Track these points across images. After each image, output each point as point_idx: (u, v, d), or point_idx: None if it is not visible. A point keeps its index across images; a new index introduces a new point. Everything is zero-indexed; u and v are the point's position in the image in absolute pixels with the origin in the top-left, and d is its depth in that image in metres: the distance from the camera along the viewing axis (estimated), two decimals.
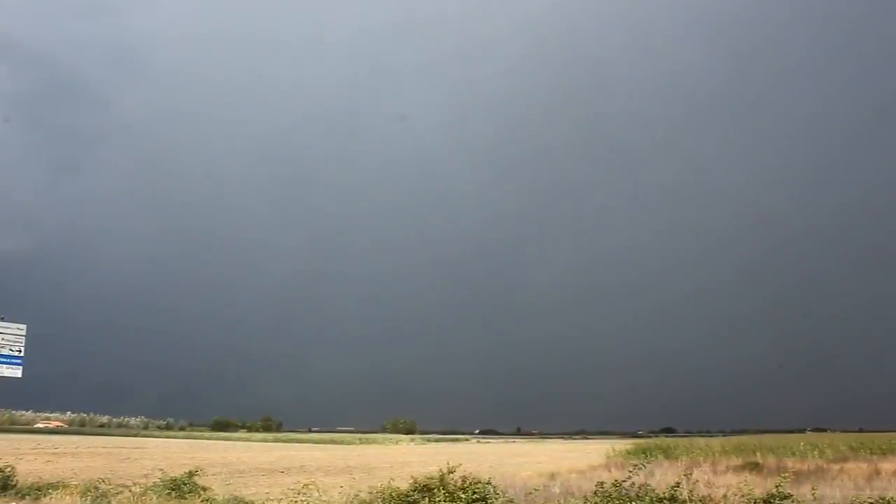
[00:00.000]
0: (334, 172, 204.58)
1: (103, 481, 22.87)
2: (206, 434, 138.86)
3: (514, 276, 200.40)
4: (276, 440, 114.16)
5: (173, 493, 20.67)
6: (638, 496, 15.13)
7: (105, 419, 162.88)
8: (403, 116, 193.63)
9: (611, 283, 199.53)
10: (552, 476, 29.44)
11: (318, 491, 20.22)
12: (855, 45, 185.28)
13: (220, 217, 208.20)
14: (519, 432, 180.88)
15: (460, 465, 18.42)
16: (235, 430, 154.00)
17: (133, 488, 21.65)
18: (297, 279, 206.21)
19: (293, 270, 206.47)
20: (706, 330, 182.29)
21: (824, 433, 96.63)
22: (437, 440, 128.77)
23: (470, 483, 17.29)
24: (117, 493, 20.94)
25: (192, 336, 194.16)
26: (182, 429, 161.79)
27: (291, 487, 20.55)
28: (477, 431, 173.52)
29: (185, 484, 21.41)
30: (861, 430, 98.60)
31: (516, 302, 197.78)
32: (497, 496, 17.09)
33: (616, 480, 15.79)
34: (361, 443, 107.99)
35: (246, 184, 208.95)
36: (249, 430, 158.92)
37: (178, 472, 22.70)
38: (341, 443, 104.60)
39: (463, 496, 16.64)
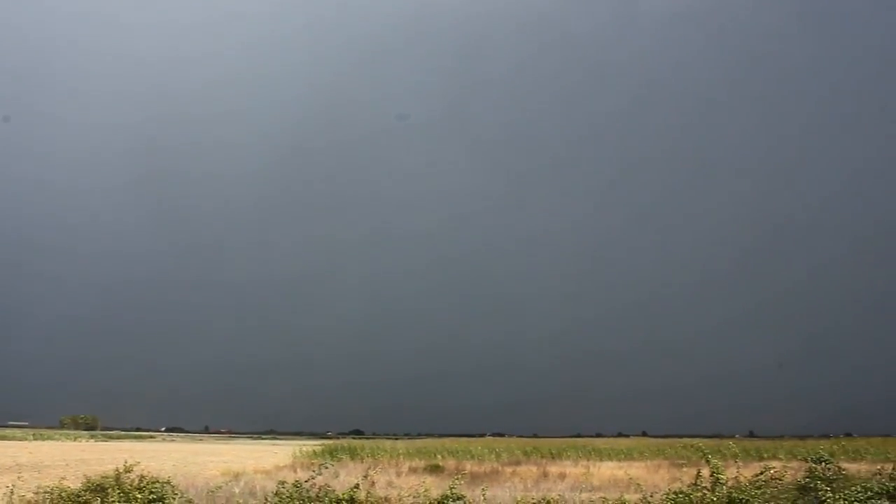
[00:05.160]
0: None
1: None
2: None
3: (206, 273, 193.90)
4: None
5: None
6: (318, 497, 15.31)
7: None
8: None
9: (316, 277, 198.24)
10: (237, 476, 29.00)
11: None
12: None
13: None
14: (207, 430, 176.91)
15: (138, 463, 17.77)
16: None
17: None
18: None
19: None
20: (410, 337, 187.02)
21: (502, 438, 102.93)
22: (119, 437, 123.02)
23: (148, 482, 16.72)
24: None
25: None
26: None
27: None
28: (163, 429, 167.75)
29: None
30: (535, 436, 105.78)
31: (212, 302, 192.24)
32: (176, 496, 16.64)
33: (297, 481, 15.87)
34: (35, 438, 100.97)
35: None
36: None
37: None
38: (11, 439, 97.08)
39: (139, 496, 16.04)
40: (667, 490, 16.06)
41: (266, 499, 16.32)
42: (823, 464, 16.94)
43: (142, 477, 17.15)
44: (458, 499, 15.45)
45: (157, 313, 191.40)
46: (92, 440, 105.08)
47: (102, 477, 17.15)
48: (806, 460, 17.67)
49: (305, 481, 15.89)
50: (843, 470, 17.21)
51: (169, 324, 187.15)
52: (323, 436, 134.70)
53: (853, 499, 15.17)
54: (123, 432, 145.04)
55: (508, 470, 39.11)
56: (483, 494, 16.45)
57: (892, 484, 15.76)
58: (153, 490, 16.42)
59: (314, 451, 52.77)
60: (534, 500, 16.35)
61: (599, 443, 68.89)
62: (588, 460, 47.69)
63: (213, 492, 18.94)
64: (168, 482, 17.24)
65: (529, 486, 28.46)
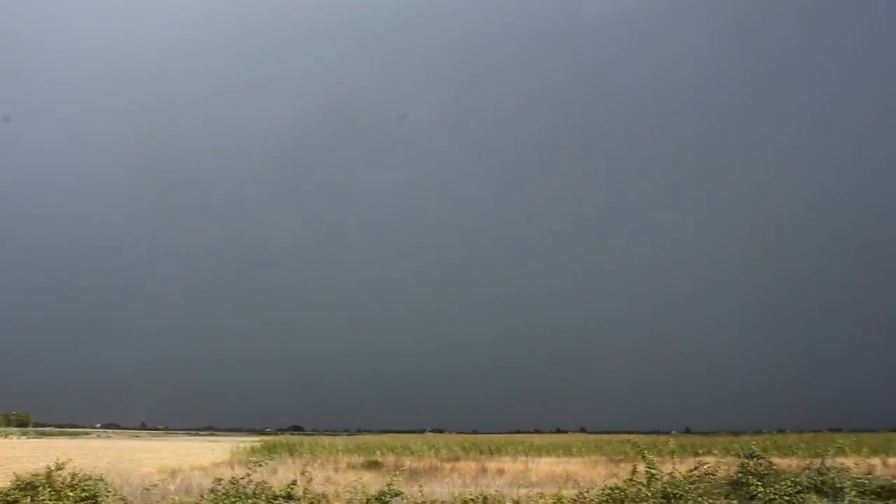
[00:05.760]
0: None
1: None
2: None
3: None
4: None
5: None
6: (255, 493, 15.22)
7: None
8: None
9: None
10: (173, 473, 28.69)
11: None
12: None
13: None
14: (144, 427, 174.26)
15: (71, 460, 17.44)
16: None
17: None
18: None
19: None
20: (345, 329, 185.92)
21: (441, 434, 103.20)
22: (53, 434, 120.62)
23: (80, 480, 16.42)
24: None
25: None
26: None
27: None
28: (98, 425, 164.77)
29: None
30: (475, 432, 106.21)
31: (151, 298, 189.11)
32: (108, 494, 16.37)
33: (234, 478, 15.74)
34: None
35: None
36: None
37: None
38: None
39: (71, 494, 15.76)
40: (603, 485, 16.26)
41: (202, 496, 16.15)
42: (755, 459, 17.25)
43: (74, 475, 16.83)
44: (396, 495, 15.46)
45: (96, 308, 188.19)
46: (24, 437, 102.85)
47: (33, 475, 16.74)
48: (739, 456, 18.00)
49: (242, 478, 15.77)
50: (774, 465, 17.55)
51: (106, 319, 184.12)
52: (262, 432, 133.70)
53: (783, 493, 15.50)
54: (57, 429, 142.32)
55: (447, 466, 39.32)
56: (421, 490, 16.48)
57: (821, 478, 16.17)
58: (85, 488, 16.11)
59: (252, 447, 52.64)
60: (472, 496, 16.41)
61: (538, 439, 69.47)
62: (527, 456, 48.12)
63: (147, 489, 18.68)
64: (101, 479, 16.95)
65: (468, 481, 28.62)
